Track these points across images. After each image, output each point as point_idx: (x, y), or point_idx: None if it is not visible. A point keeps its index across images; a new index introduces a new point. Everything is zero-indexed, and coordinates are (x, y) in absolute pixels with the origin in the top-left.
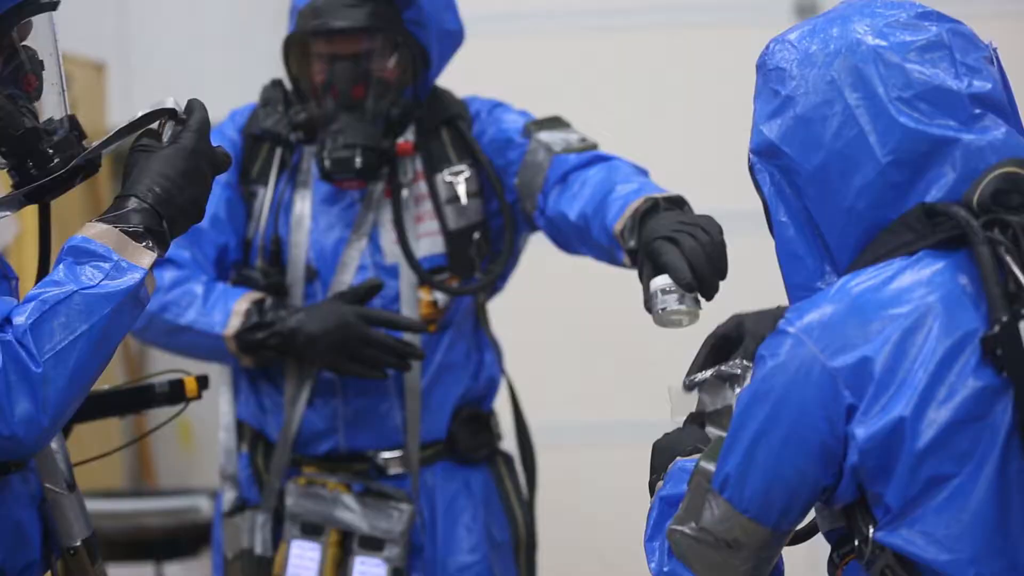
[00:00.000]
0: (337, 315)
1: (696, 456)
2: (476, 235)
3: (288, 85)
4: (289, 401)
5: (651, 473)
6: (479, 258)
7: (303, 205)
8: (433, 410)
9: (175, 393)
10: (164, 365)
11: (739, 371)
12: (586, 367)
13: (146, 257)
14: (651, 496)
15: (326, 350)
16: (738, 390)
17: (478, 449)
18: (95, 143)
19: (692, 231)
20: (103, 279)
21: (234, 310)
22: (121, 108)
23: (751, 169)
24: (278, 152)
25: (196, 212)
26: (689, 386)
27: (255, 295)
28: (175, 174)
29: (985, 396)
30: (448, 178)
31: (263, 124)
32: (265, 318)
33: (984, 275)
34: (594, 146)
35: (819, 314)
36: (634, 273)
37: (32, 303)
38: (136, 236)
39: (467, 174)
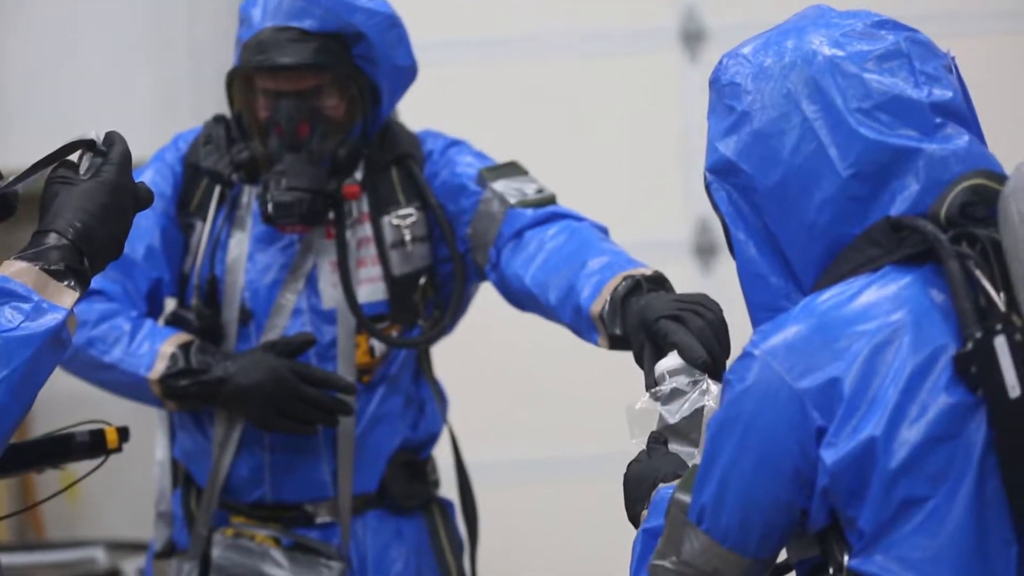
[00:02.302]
0: (268, 369)
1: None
2: (422, 280)
3: (231, 120)
4: (218, 445)
5: (628, 505)
6: (423, 304)
7: (240, 244)
8: (365, 463)
9: (95, 444)
10: (50, 420)
11: (694, 383)
12: (528, 403)
13: (68, 297)
14: (635, 527)
15: (254, 404)
16: (697, 399)
17: (411, 498)
18: (8, 179)
19: (695, 309)
20: (23, 320)
21: (160, 352)
22: None
23: (707, 188)
24: (218, 187)
25: (116, 249)
26: (654, 397)
27: (182, 337)
28: (96, 209)
29: (958, 413)
30: (395, 221)
31: (204, 163)
32: (191, 364)
33: (955, 290)
34: (551, 198)
35: (784, 335)
36: None
37: None
38: (57, 275)
39: (415, 217)
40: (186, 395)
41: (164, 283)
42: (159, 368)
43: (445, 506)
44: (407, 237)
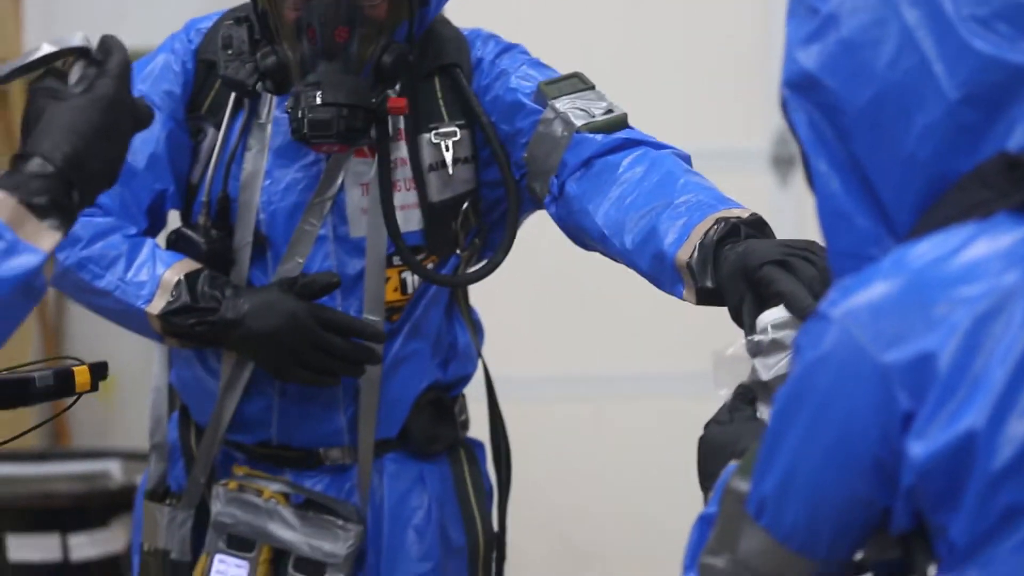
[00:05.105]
0: (286, 314)
1: None
2: (464, 206)
3: (254, 19)
4: (224, 387)
5: (701, 479)
6: (464, 232)
7: (256, 159)
8: (386, 409)
9: (62, 386)
10: (85, 340)
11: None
12: (566, 317)
13: (47, 238)
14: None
15: (269, 353)
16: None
17: (436, 442)
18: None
19: (805, 255)
20: None
21: (162, 282)
22: (40, 38)
23: (784, 106)
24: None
25: (110, 177)
26: (750, 348)
27: (188, 265)
28: (90, 131)
29: None
30: (435, 139)
31: (224, 72)
32: (197, 301)
33: None
34: (623, 120)
35: (868, 294)
36: None
37: None
38: (38, 211)
39: (458, 136)
40: (191, 335)
41: (168, 195)
42: (159, 302)
43: (473, 448)
44: (448, 158)
